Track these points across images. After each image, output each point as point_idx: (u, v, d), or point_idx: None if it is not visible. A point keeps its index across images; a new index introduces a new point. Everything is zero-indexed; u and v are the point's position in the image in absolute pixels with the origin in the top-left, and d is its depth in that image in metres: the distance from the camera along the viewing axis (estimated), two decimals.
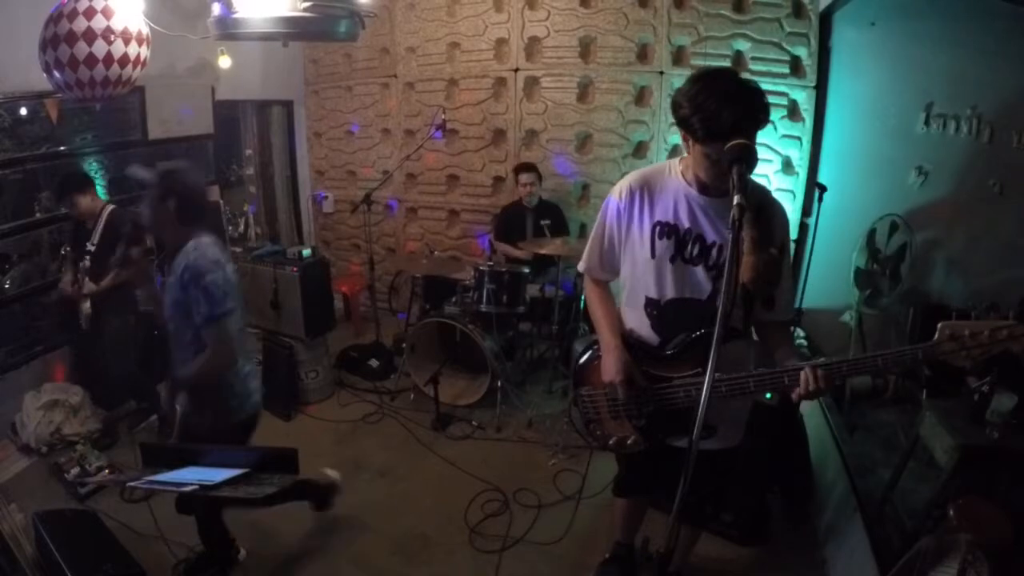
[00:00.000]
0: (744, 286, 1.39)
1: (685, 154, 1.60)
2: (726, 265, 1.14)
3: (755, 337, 1.71)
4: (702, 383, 1.57)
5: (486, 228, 4.64)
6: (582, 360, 1.83)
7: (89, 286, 3.02)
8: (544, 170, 4.17)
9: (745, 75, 1.49)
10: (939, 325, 1.30)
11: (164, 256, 2.08)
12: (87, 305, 3.04)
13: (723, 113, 1.36)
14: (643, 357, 1.68)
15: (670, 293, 1.66)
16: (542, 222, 3.88)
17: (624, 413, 1.72)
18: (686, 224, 1.61)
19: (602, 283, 1.86)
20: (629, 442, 1.72)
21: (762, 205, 1.49)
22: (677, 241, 1.62)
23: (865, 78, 3.15)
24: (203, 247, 1.95)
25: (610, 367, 1.65)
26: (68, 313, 3.18)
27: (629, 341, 1.72)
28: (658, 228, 1.63)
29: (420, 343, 3.79)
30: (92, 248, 3.04)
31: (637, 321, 1.74)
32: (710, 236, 1.60)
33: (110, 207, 3.15)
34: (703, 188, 1.58)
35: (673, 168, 1.65)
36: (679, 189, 1.62)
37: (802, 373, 1.42)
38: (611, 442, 1.76)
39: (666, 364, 1.66)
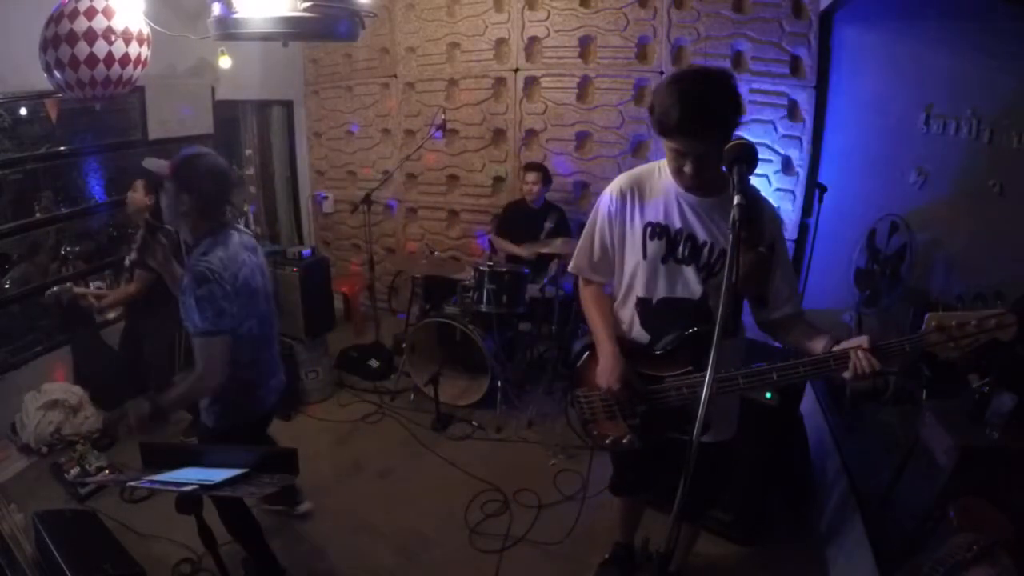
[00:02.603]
0: (733, 285, 1.40)
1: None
2: (727, 265, 1.14)
3: (745, 336, 1.71)
4: (693, 382, 1.58)
5: (486, 228, 4.64)
6: (578, 362, 1.83)
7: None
8: None
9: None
10: (926, 316, 1.29)
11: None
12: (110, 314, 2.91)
13: (672, 111, 1.38)
14: (635, 356, 1.68)
15: (661, 293, 1.66)
16: (546, 224, 3.86)
17: (619, 413, 1.73)
18: (677, 224, 1.61)
19: (595, 283, 1.85)
20: (625, 441, 1.74)
21: (751, 205, 1.49)
22: (668, 241, 1.62)
23: (865, 78, 3.14)
24: (214, 248, 1.77)
25: (608, 374, 1.65)
26: (72, 313, 3.16)
27: (623, 342, 1.72)
28: (649, 229, 1.64)
29: (420, 343, 3.79)
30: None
31: (628, 320, 1.74)
32: (701, 236, 1.60)
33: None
34: (694, 187, 1.57)
35: (663, 168, 1.64)
36: (670, 189, 1.62)
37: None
38: (607, 441, 1.77)
39: (657, 363, 1.67)
